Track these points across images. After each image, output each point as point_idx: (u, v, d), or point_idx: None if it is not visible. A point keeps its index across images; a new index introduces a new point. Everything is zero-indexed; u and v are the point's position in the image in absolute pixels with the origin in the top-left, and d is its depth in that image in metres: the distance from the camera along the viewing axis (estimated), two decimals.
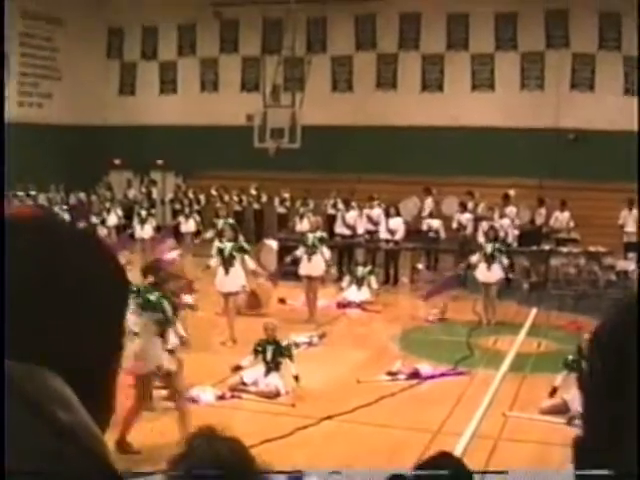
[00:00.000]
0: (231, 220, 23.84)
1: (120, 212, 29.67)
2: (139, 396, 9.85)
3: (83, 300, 1.16)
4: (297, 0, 29.47)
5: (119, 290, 1.24)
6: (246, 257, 16.37)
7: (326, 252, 18.75)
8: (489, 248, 18.51)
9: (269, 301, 18.77)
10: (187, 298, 14.67)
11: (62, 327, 1.12)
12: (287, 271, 19.60)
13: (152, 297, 10.11)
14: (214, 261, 16.56)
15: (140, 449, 9.53)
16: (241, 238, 16.87)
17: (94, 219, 23.98)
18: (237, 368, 12.78)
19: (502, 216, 23.82)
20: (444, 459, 4.09)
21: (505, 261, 19.09)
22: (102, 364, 1.19)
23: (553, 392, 11.34)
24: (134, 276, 17.48)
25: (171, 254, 18.77)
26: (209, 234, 22.36)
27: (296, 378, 12.28)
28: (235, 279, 16.04)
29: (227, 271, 15.99)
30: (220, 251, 16.26)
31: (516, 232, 23.94)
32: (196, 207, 30.46)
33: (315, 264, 18.34)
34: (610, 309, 1.30)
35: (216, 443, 2.57)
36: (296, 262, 18.68)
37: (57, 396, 1.08)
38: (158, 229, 27.97)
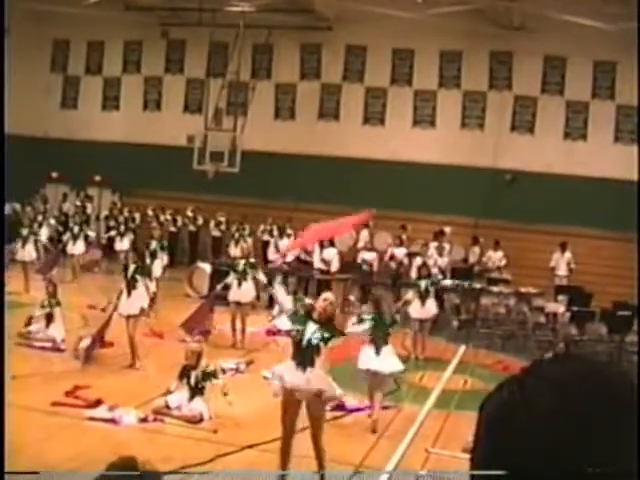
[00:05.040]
0: (153, 243, 23.83)
1: (52, 223, 29.36)
2: None
3: None
4: (244, 25, 29.60)
5: None
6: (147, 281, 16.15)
7: (262, 277, 18.77)
8: (423, 284, 18.60)
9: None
10: None
11: None
12: (218, 295, 19.43)
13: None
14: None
15: None
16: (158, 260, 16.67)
17: (24, 231, 23.65)
18: (168, 393, 12.64)
19: (440, 253, 23.94)
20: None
21: (444, 297, 19.32)
22: None
23: None
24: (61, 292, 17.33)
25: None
26: None
27: (225, 395, 12.25)
28: (136, 302, 15.64)
29: (129, 293, 15.64)
30: (125, 273, 16.04)
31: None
32: (131, 225, 30.22)
33: (244, 290, 18.30)
34: (503, 383, 1.31)
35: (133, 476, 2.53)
36: (227, 287, 18.59)
37: None
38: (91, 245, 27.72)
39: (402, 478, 10.50)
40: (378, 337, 13.02)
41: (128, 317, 15.61)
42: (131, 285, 15.71)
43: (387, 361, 12.94)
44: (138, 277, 15.81)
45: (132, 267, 15.94)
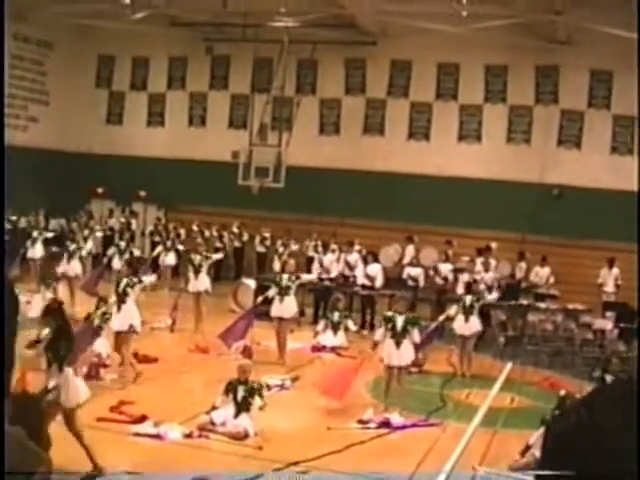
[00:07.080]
0: (137, 251, 23.97)
1: (99, 238, 29.53)
2: None
3: None
4: (289, 40, 29.63)
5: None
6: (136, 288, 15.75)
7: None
8: (467, 300, 18.44)
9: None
10: None
11: None
12: (261, 311, 19.28)
13: None
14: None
15: None
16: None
17: (71, 247, 23.76)
18: (213, 409, 12.52)
19: (486, 269, 23.74)
20: None
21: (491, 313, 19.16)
22: None
23: (526, 450, 11.13)
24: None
25: None
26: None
27: (261, 408, 12.21)
28: (125, 317, 15.31)
29: (119, 308, 15.33)
30: (117, 285, 15.79)
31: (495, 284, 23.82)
32: (177, 241, 30.19)
33: (286, 306, 18.16)
34: (571, 407, 1.25)
35: None
36: (269, 302, 18.45)
37: None
38: (137, 261, 27.70)
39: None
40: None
41: (118, 333, 15.35)
42: (120, 299, 15.44)
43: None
44: (129, 292, 15.56)
45: (124, 281, 15.74)
